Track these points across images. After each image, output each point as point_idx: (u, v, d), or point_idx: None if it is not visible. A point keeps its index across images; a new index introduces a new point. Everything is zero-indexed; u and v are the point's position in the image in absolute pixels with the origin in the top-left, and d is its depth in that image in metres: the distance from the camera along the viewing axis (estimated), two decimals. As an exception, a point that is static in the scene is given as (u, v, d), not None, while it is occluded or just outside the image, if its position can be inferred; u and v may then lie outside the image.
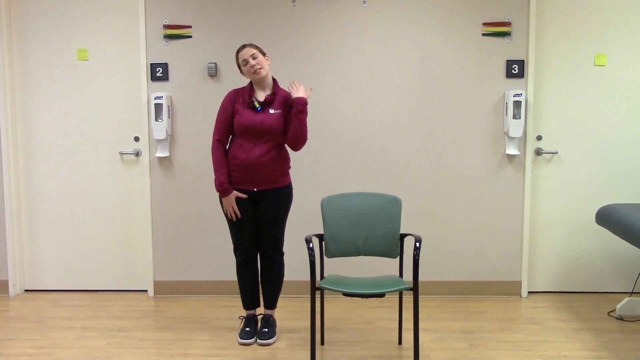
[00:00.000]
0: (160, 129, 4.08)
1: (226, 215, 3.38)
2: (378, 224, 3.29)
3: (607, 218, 3.58)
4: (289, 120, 3.31)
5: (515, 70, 4.05)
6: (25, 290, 4.42)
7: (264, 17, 4.09)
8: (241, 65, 3.32)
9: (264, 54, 3.33)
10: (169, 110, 4.12)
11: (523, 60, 4.05)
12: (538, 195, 4.20)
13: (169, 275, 4.27)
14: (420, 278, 4.24)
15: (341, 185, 4.17)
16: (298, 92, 3.28)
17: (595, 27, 4.08)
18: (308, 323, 3.71)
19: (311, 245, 3.04)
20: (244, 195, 3.32)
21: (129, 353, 3.29)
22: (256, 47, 3.31)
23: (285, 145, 3.39)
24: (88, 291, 4.39)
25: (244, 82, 3.86)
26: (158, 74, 4.13)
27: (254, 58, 3.28)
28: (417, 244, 3.01)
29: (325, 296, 3.90)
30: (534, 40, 4.02)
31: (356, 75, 4.11)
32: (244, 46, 3.31)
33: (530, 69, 4.04)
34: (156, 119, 4.07)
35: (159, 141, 4.13)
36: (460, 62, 4.08)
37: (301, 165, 4.15)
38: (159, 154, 4.14)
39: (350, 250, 3.30)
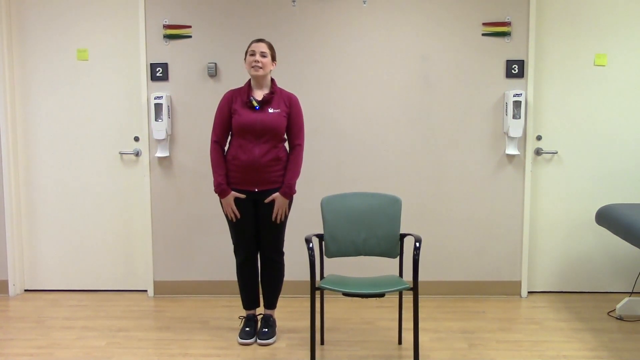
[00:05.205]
0: (160, 129, 4.08)
1: (226, 215, 3.38)
2: (378, 224, 3.29)
3: (607, 218, 3.58)
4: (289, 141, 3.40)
5: (515, 70, 4.05)
6: (25, 290, 4.42)
7: (264, 17, 4.09)
8: (248, 53, 3.32)
9: (273, 59, 3.33)
10: (168, 110, 4.12)
11: (523, 60, 4.04)
12: (538, 195, 4.20)
13: (169, 275, 4.27)
14: (420, 278, 4.24)
15: (341, 185, 4.17)
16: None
17: (595, 27, 4.08)
18: (308, 323, 3.71)
19: (311, 245, 3.04)
20: (242, 196, 3.33)
21: (129, 353, 3.29)
22: (271, 48, 3.31)
23: (285, 145, 3.40)
24: (88, 291, 4.39)
25: (244, 82, 3.86)
26: (158, 74, 4.13)
27: (263, 56, 3.28)
28: (417, 244, 3.01)
29: (325, 296, 3.90)
30: (534, 40, 4.02)
31: (356, 75, 4.11)
32: (261, 40, 3.30)
33: (530, 69, 4.04)
34: (156, 119, 4.07)
35: (159, 141, 4.13)
36: (460, 62, 4.07)
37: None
38: (158, 154, 4.14)
39: (350, 250, 3.30)
